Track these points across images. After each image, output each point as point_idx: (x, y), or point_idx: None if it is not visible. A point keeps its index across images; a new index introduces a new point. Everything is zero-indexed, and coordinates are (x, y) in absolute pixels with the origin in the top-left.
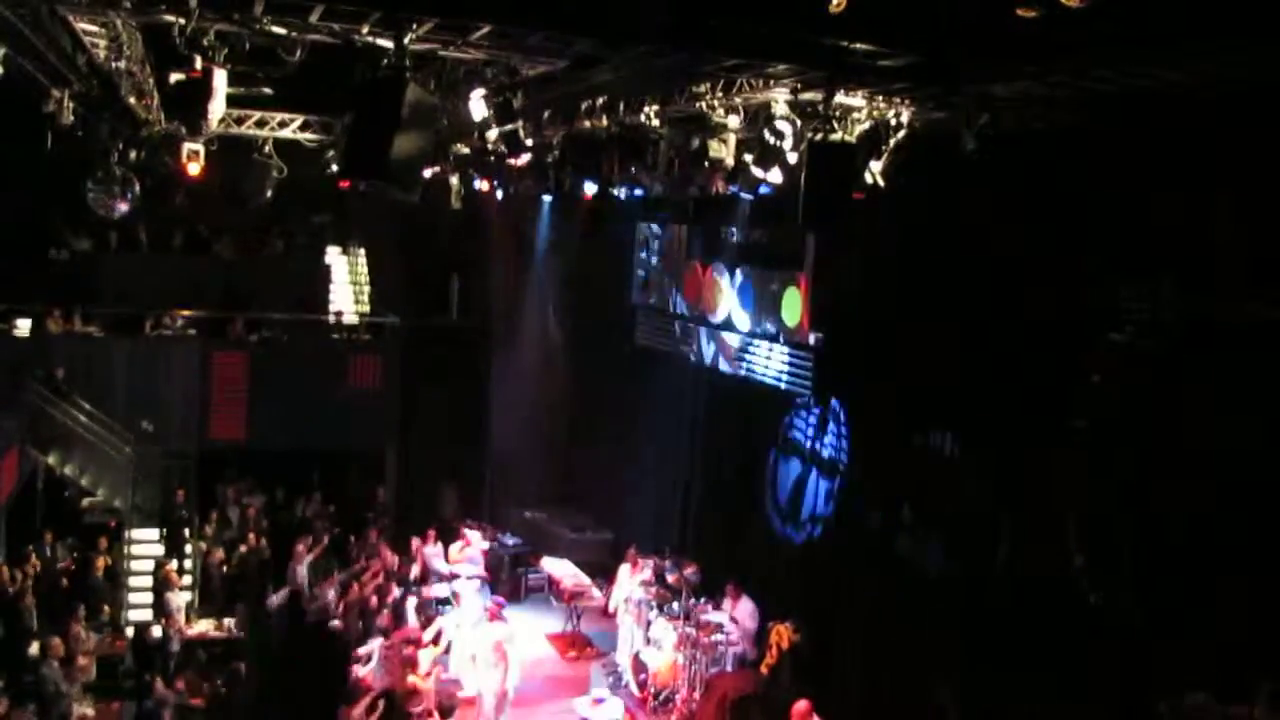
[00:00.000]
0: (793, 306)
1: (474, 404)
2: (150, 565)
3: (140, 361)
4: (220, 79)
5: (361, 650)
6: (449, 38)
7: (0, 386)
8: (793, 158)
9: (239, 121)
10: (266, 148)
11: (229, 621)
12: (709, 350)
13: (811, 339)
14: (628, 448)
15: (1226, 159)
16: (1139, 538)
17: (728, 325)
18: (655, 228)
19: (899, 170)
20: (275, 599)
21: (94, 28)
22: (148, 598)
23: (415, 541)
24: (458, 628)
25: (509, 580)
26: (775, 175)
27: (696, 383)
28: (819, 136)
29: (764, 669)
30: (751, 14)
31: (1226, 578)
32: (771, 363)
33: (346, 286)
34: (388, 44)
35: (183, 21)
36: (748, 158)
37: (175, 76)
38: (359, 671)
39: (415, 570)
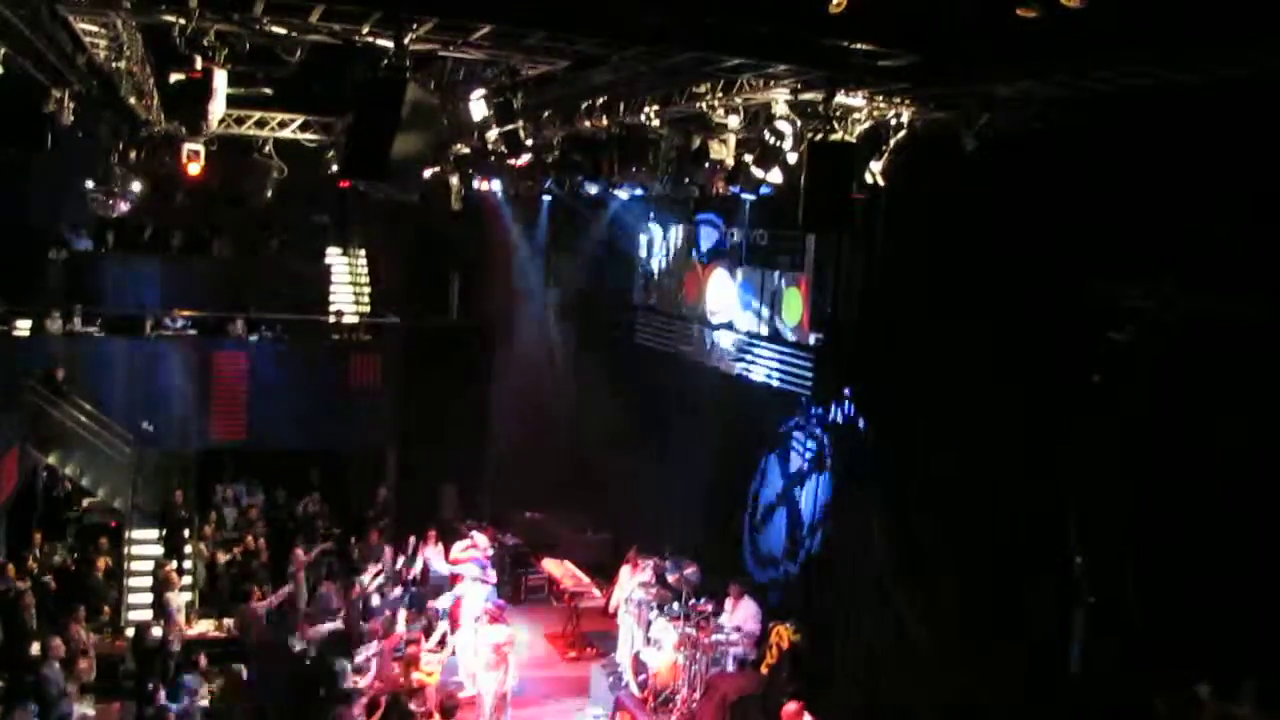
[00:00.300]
0: (793, 306)
1: (474, 404)
2: (150, 565)
3: (140, 361)
4: (220, 79)
5: (359, 655)
6: (449, 38)
7: (0, 386)
8: (793, 158)
9: (239, 121)
10: (266, 148)
11: (229, 622)
12: (709, 350)
13: (811, 339)
14: (628, 448)
15: (1227, 158)
16: (1139, 538)
17: (728, 325)
18: (655, 228)
19: (899, 170)
20: (265, 602)
21: (94, 28)
22: (148, 598)
23: (411, 540)
24: (463, 631)
25: (509, 580)
26: (775, 175)
27: (696, 383)
28: (819, 137)
29: (764, 669)
30: (751, 14)
31: (1226, 577)
32: (771, 363)
33: (346, 286)
34: (388, 44)
35: (183, 21)
36: (748, 158)
37: (175, 76)
38: (358, 678)
39: (416, 571)
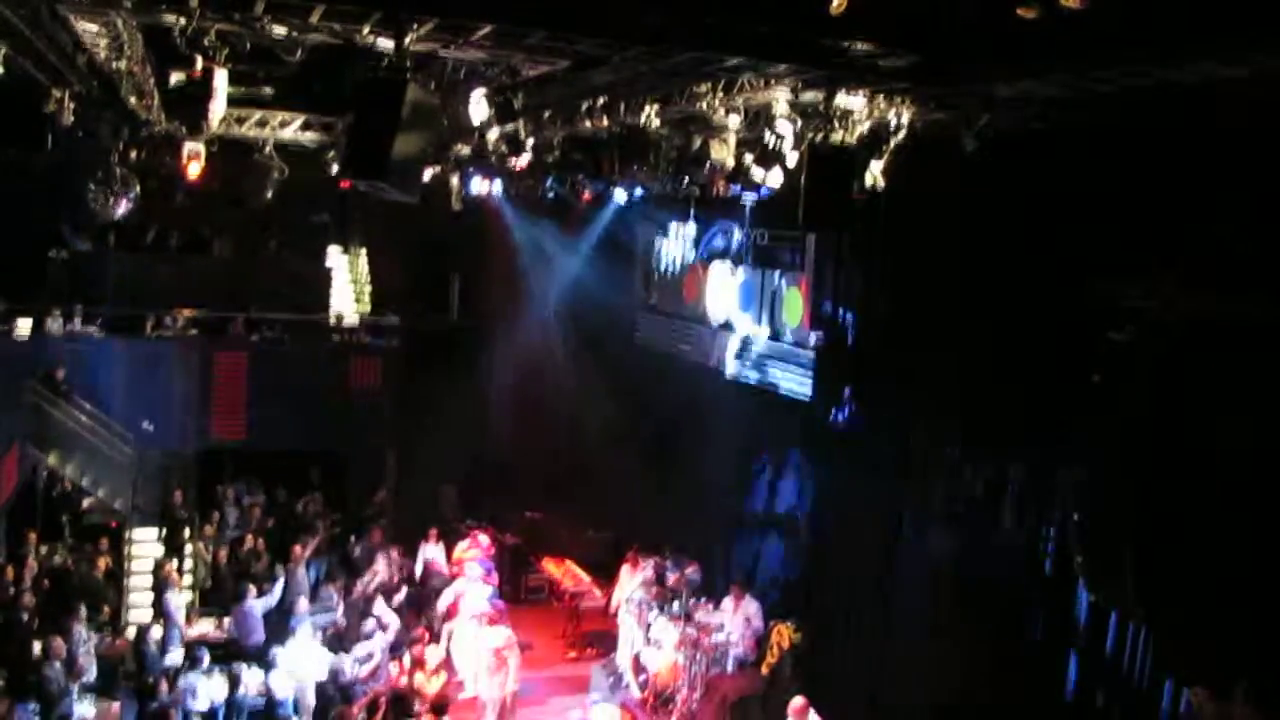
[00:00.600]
0: (793, 306)
1: (474, 404)
2: (150, 565)
3: (140, 361)
4: (220, 79)
5: (360, 652)
6: (449, 38)
7: (0, 386)
8: (793, 158)
9: (239, 121)
10: (267, 148)
11: (229, 622)
12: (709, 350)
13: (811, 339)
14: (628, 448)
15: (1227, 158)
16: (1139, 538)
17: (728, 325)
18: (655, 228)
19: (899, 171)
20: (261, 601)
21: (94, 28)
22: (148, 598)
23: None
24: (461, 628)
25: (509, 580)
26: (775, 175)
27: (696, 383)
28: (819, 137)
29: (764, 669)
30: (751, 14)
31: (1227, 578)
32: (771, 363)
33: (346, 286)
34: (388, 44)
35: (183, 21)
36: (748, 158)
37: (176, 77)
38: (359, 674)
39: (416, 570)
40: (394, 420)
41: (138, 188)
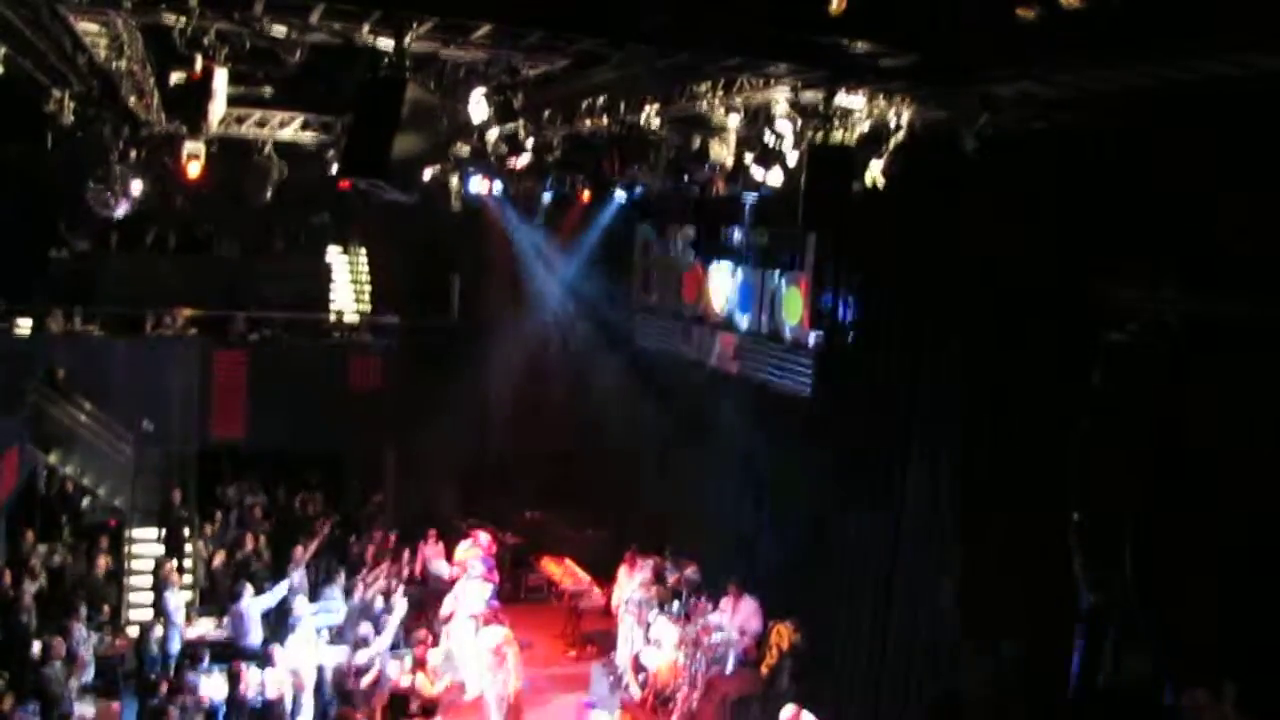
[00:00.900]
0: (793, 306)
1: (474, 404)
2: (150, 565)
3: (140, 361)
4: (220, 79)
5: (362, 656)
6: (449, 38)
7: (0, 386)
8: (793, 158)
9: (239, 121)
10: (266, 148)
11: (228, 621)
12: (709, 350)
13: (811, 339)
14: (628, 448)
15: (1227, 158)
16: (1139, 538)
17: (728, 325)
18: (655, 228)
19: (899, 170)
20: (261, 600)
21: (94, 28)
22: (148, 598)
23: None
24: (461, 628)
25: (509, 580)
26: (775, 175)
27: (696, 383)
28: (819, 137)
29: (764, 669)
30: (751, 14)
31: (1227, 577)
32: (771, 363)
33: (346, 286)
34: (388, 44)
35: (183, 21)
36: (748, 158)
37: (175, 76)
38: (360, 674)
39: (415, 571)
40: (394, 420)
41: (138, 188)
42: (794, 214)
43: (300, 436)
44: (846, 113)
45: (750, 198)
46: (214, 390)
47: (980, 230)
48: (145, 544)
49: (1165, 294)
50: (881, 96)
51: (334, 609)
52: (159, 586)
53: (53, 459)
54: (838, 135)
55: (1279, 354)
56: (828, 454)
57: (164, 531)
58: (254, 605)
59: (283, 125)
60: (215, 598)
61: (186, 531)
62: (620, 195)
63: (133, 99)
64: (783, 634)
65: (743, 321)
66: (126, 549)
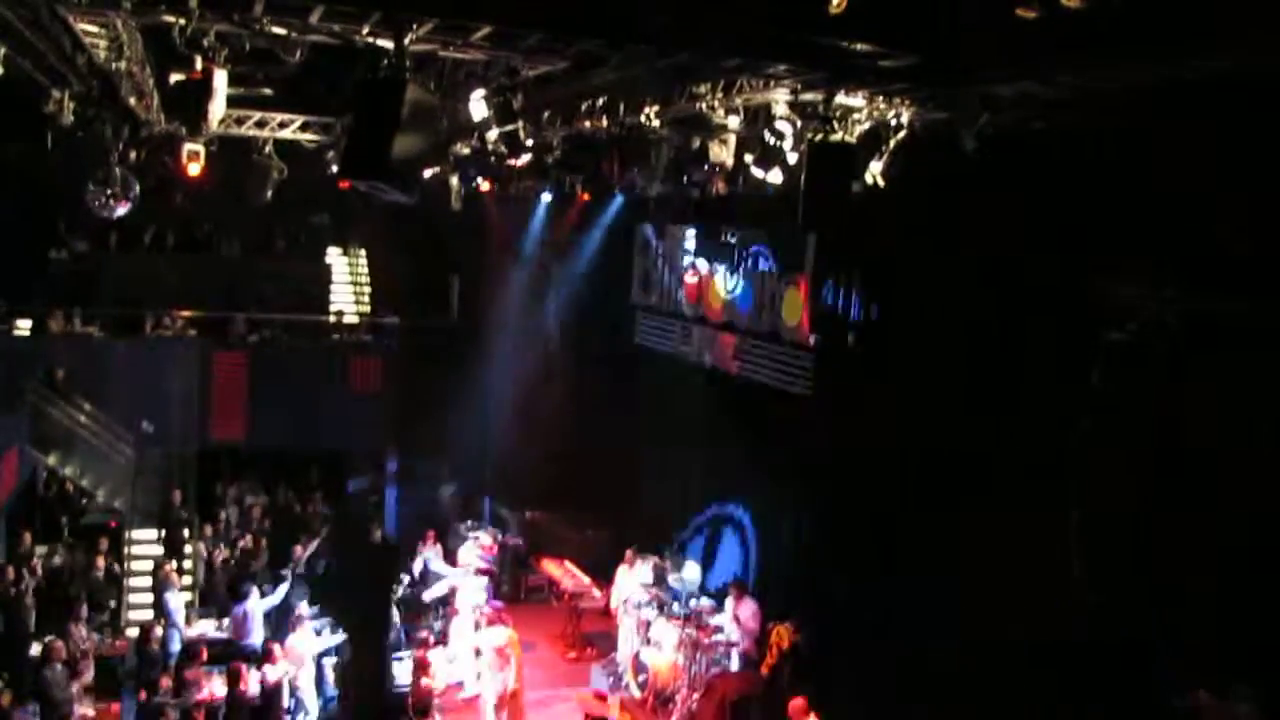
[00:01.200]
0: (793, 306)
1: (474, 404)
2: (150, 565)
3: (140, 361)
4: (220, 79)
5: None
6: (449, 38)
7: (0, 386)
8: (793, 158)
9: (239, 122)
10: (266, 148)
11: (228, 621)
12: (709, 350)
13: (811, 339)
14: (628, 448)
15: (1227, 158)
16: (1139, 538)
17: (727, 325)
18: (655, 228)
19: (899, 170)
20: (265, 602)
21: (94, 28)
22: (148, 598)
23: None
24: (460, 626)
25: (509, 580)
26: (775, 176)
27: (696, 383)
28: (819, 137)
29: (764, 669)
30: (751, 14)
31: (1227, 578)
32: (771, 363)
33: (346, 286)
34: (388, 44)
35: (183, 22)
36: (748, 158)
37: (175, 77)
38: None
39: (415, 571)
40: (394, 420)
41: (138, 188)
42: (794, 214)
43: (300, 436)
44: (846, 113)
45: (750, 198)
46: (214, 391)
47: (980, 230)
48: (145, 544)
49: (1165, 294)
50: (881, 97)
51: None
52: (159, 587)
53: (52, 460)
54: (838, 135)
55: (1279, 354)
56: (827, 454)
57: (164, 532)
58: (259, 606)
59: (283, 125)
60: (215, 598)
61: (186, 532)
62: (619, 196)
63: (133, 99)
64: (783, 634)
65: (743, 321)
66: (126, 549)
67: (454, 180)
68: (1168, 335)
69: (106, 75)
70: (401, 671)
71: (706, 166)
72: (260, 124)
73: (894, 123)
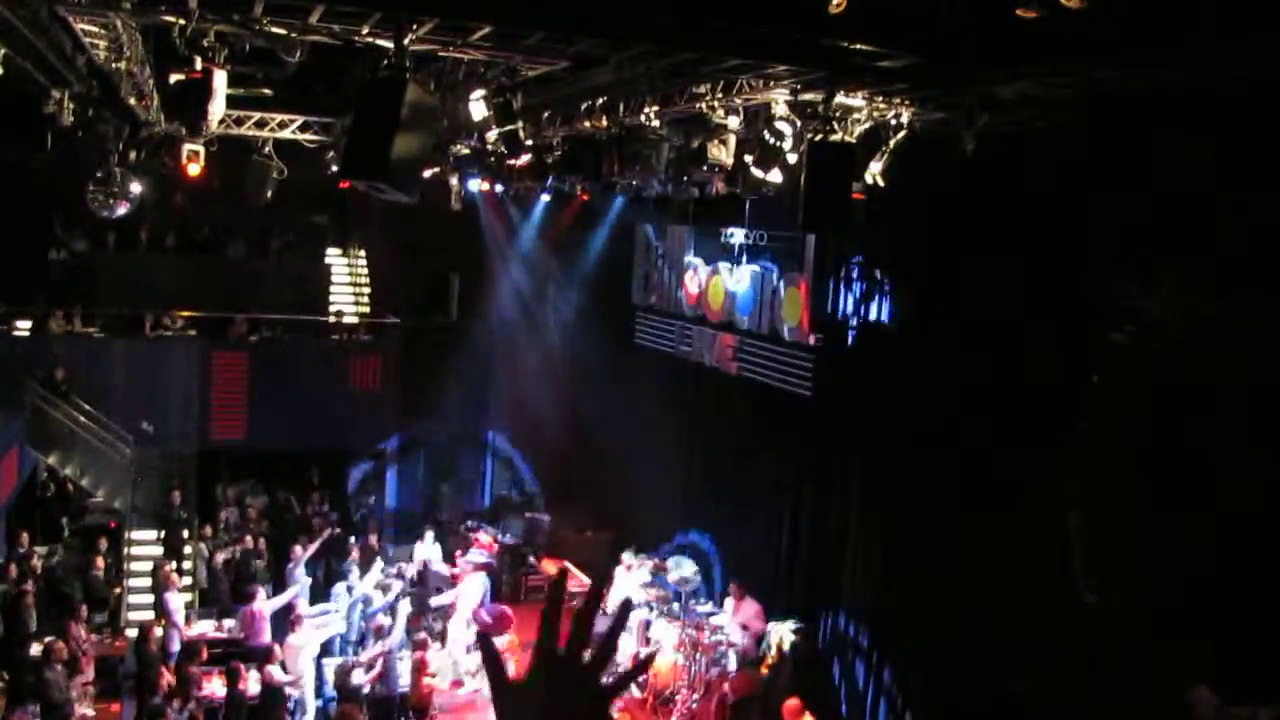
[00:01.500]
0: (793, 306)
1: (474, 404)
2: (150, 565)
3: (140, 362)
4: (220, 79)
5: (364, 656)
6: (449, 38)
7: (0, 386)
8: (793, 158)
9: (239, 122)
10: (266, 148)
11: (229, 622)
12: (709, 350)
13: (811, 339)
14: (628, 448)
15: (1227, 157)
16: (1139, 538)
17: (728, 325)
18: (655, 228)
19: (899, 170)
20: (270, 604)
21: (94, 28)
22: (148, 598)
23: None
24: (458, 626)
25: (509, 580)
26: (775, 176)
27: (696, 383)
28: (819, 137)
29: (764, 669)
30: (751, 14)
31: (1227, 578)
32: (771, 363)
33: (346, 286)
34: (388, 44)
35: (183, 22)
36: (748, 158)
37: (175, 77)
38: (360, 677)
39: (414, 571)
40: (394, 420)
41: (138, 188)
42: (794, 214)
43: (300, 436)
44: (846, 113)
45: (750, 198)
46: (213, 391)
47: (980, 230)
48: (145, 545)
49: (1165, 294)
50: (881, 97)
51: (334, 609)
52: (158, 588)
53: (52, 460)
54: (838, 136)
55: (1278, 354)
56: (827, 454)
57: (163, 532)
58: (267, 607)
59: (283, 125)
60: (215, 598)
61: (186, 532)
62: (619, 196)
63: (133, 99)
64: (783, 634)
65: (743, 321)
66: (126, 550)
67: (454, 180)
68: (1168, 335)
69: (106, 75)
70: (401, 671)
71: (706, 166)
72: (260, 124)
73: (894, 123)
